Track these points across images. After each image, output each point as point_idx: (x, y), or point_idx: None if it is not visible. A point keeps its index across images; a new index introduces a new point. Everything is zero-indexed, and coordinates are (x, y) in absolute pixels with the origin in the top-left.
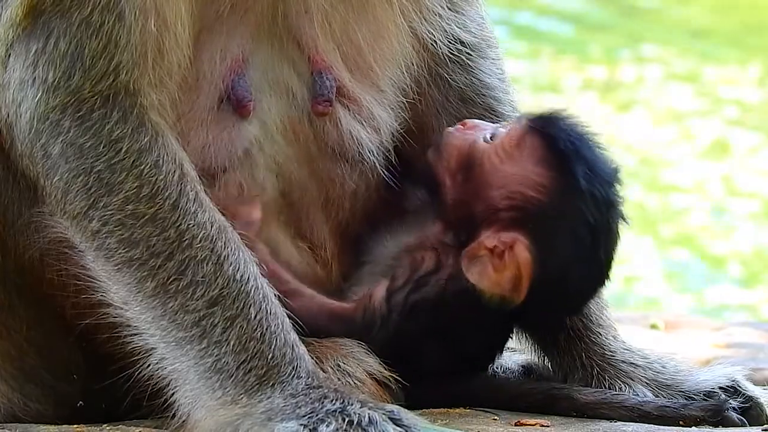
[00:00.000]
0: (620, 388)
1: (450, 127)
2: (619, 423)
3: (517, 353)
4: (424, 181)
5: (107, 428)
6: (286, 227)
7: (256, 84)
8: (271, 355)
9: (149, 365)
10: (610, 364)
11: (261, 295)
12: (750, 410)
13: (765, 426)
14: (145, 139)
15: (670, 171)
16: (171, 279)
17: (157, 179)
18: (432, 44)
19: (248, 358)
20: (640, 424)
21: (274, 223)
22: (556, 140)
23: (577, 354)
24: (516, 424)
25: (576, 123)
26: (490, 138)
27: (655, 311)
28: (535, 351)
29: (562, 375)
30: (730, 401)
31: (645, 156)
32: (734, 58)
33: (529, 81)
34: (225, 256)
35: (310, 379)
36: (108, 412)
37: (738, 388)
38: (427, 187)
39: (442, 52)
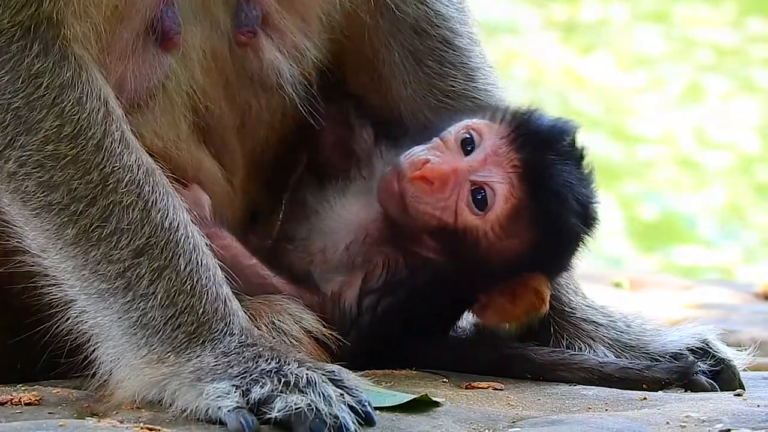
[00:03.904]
0: (580, 349)
1: (406, 178)
2: (578, 386)
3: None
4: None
5: (22, 389)
6: (206, 147)
7: (183, 12)
8: (201, 310)
9: (68, 319)
10: (570, 323)
11: (191, 245)
12: (721, 373)
13: (738, 391)
14: (68, 74)
15: (636, 120)
16: (93, 226)
17: (79, 117)
18: None
19: (177, 313)
20: (602, 387)
21: (195, 143)
22: (554, 206)
23: None
24: (467, 387)
25: (559, 130)
26: (476, 205)
27: (619, 270)
28: None
29: (517, 334)
30: (699, 363)
31: (609, 104)
32: None
33: (485, 22)
34: (153, 202)
35: (243, 336)
36: (22, 370)
37: (709, 349)
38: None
39: None
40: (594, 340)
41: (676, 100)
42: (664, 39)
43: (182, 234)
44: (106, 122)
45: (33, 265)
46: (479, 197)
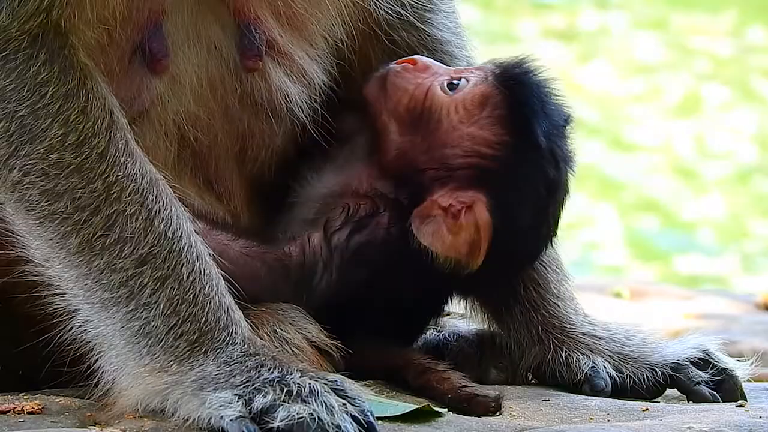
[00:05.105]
0: (578, 360)
1: (394, 63)
2: (581, 396)
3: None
4: (360, 118)
5: (24, 397)
6: (193, 176)
7: (173, 36)
8: (204, 319)
9: (71, 328)
10: (570, 337)
11: (194, 254)
12: (723, 384)
13: (740, 402)
14: (73, 83)
15: (635, 129)
16: (97, 235)
17: (84, 126)
18: None
19: (179, 322)
20: (604, 398)
21: (180, 172)
22: (521, 100)
23: (533, 327)
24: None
25: (538, 71)
26: (448, 87)
27: (619, 280)
28: (490, 323)
29: (518, 351)
30: (701, 374)
31: (607, 112)
32: (705, 4)
33: (483, 29)
34: (156, 211)
35: (246, 346)
36: (25, 379)
37: (710, 359)
38: (363, 126)
39: (387, 7)
40: (593, 352)
41: (674, 109)
42: (663, 47)
43: (185, 243)
44: (111, 131)
45: (36, 275)
46: (454, 83)
